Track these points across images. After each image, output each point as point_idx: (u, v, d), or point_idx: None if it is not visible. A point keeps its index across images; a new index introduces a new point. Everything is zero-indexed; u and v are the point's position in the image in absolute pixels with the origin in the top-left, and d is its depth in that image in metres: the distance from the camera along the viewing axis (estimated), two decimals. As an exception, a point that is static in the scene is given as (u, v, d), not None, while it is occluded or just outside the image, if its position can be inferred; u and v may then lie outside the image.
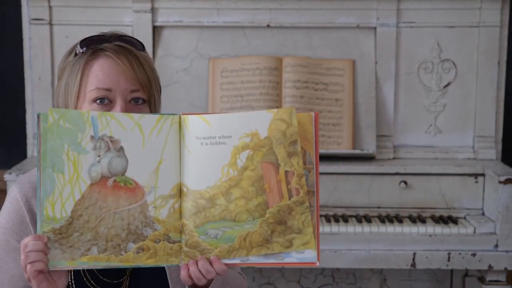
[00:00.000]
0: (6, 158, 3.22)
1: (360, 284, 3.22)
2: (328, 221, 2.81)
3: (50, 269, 1.44)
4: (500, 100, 3.07)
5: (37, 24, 3.01)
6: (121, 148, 1.47)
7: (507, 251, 2.76)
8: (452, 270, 3.19)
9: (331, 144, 2.95)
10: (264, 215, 1.47)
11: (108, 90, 1.57)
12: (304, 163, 1.47)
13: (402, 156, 3.05)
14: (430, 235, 2.76)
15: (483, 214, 2.88)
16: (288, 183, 1.46)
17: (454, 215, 2.89)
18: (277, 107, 2.93)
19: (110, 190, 1.46)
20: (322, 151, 2.85)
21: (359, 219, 2.84)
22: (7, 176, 2.75)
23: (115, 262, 1.46)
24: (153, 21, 3.03)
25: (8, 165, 2.95)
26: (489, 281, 2.81)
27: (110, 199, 1.46)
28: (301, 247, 1.46)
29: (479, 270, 2.88)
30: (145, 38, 2.97)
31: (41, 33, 3.01)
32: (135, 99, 1.59)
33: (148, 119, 1.48)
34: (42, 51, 3.02)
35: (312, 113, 1.48)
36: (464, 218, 2.88)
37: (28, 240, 1.43)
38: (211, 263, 1.47)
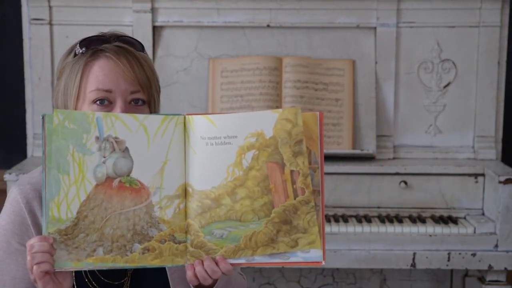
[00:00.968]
0: (6, 158, 3.22)
1: (360, 284, 3.22)
2: (328, 221, 2.81)
3: (56, 270, 1.44)
4: (500, 100, 3.07)
5: (37, 24, 3.01)
6: (126, 149, 1.47)
7: (507, 251, 2.76)
8: (452, 270, 3.19)
9: (331, 144, 2.95)
10: (269, 215, 1.47)
11: (108, 91, 1.57)
12: (310, 163, 1.47)
13: (402, 156, 3.05)
14: (430, 235, 2.76)
15: (483, 214, 2.88)
16: (293, 182, 1.46)
17: (454, 215, 2.89)
18: (277, 107, 2.93)
19: (115, 190, 1.46)
20: (322, 151, 2.85)
21: (359, 219, 2.84)
22: (7, 176, 2.75)
23: (120, 263, 1.46)
24: (153, 21, 3.03)
25: (8, 165, 2.95)
26: (489, 281, 2.81)
27: (115, 199, 1.46)
28: (307, 247, 1.47)
29: (479, 270, 2.88)
30: (145, 38, 2.97)
31: (41, 33, 3.01)
32: (135, 100, 1.58)
33: (152, 119, 1.49)
34: (42, 51, 3.02)
35: (317, 113, 1.48)
36: (464, 218, 2.88)
37: (34, 241, 1.43)
38: (216, 263, 1.47)
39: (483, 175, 2.88)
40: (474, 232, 2.77)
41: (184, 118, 1.50)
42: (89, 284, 1.61)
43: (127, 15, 3.03)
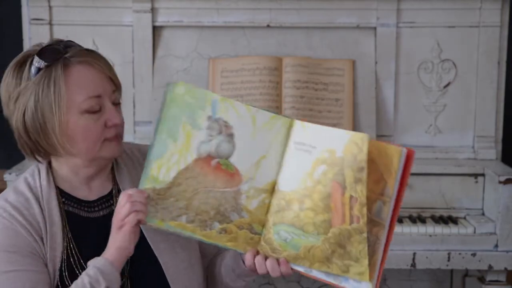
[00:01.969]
0: (6, 158, 3.22)
1: (360, 284, 3.21)
2: (328, 221, 2.81)
3: (148, 223, 1.52)
4: (500, 100, 3.06)
5: (37, 24, 3.01)
6: (232, 135, 1.54)
7: (507, 251, 2.76)
8: (452, 270, 3.19)
9: (331, 144, 2.95)
10: (327, 233, 1.49)
11: (98, 96, 1.58)
12: (382, 194, 1.47)
13: (402, 156, 3.05)
14: (430, 235, 2.76)
15: (483, 214, 2.88)
16: (351, 208, 1.46)
17: (454, 215, 2.89)
18: (277, 107, 2.94)
19: (211, 169, 1.54)
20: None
21: (359, 219, 2.84)
22: (7, 176, 2.74)
23: (198, 235, 1.54)
24: (153, 21, 3.02)
25: (8, 165, 2.95)
26: (489, 281, 2.81)
27: (209, 177, 1.54)
28: (357, 276, 1.47)
29: (479, 270, 2.88)
30: (145, 38, 2.96)
31: (41, 33, 3.01)
32: (116, 102, 1.63)
33: (263, 114, 1.56)
34: (42, 51, 3.02)
35: (404, 150, 1.44)
36: (464, 218, 2.88)
37: (132, 192, 1.50)
38: (279, 264, 1.55)
39: (483, 175, 2.88)
40: (474, 232, 2.77)
41: (289, 121, 1.55)
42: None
43: (127, 15, 3.03)
